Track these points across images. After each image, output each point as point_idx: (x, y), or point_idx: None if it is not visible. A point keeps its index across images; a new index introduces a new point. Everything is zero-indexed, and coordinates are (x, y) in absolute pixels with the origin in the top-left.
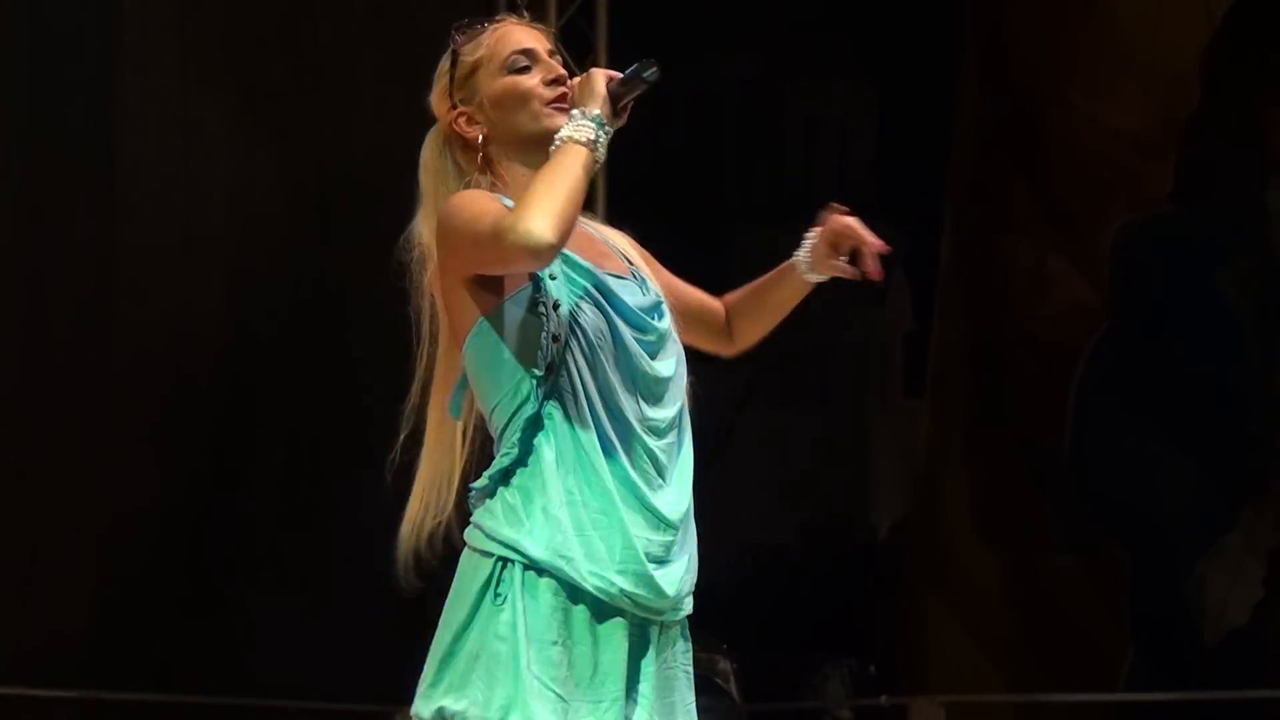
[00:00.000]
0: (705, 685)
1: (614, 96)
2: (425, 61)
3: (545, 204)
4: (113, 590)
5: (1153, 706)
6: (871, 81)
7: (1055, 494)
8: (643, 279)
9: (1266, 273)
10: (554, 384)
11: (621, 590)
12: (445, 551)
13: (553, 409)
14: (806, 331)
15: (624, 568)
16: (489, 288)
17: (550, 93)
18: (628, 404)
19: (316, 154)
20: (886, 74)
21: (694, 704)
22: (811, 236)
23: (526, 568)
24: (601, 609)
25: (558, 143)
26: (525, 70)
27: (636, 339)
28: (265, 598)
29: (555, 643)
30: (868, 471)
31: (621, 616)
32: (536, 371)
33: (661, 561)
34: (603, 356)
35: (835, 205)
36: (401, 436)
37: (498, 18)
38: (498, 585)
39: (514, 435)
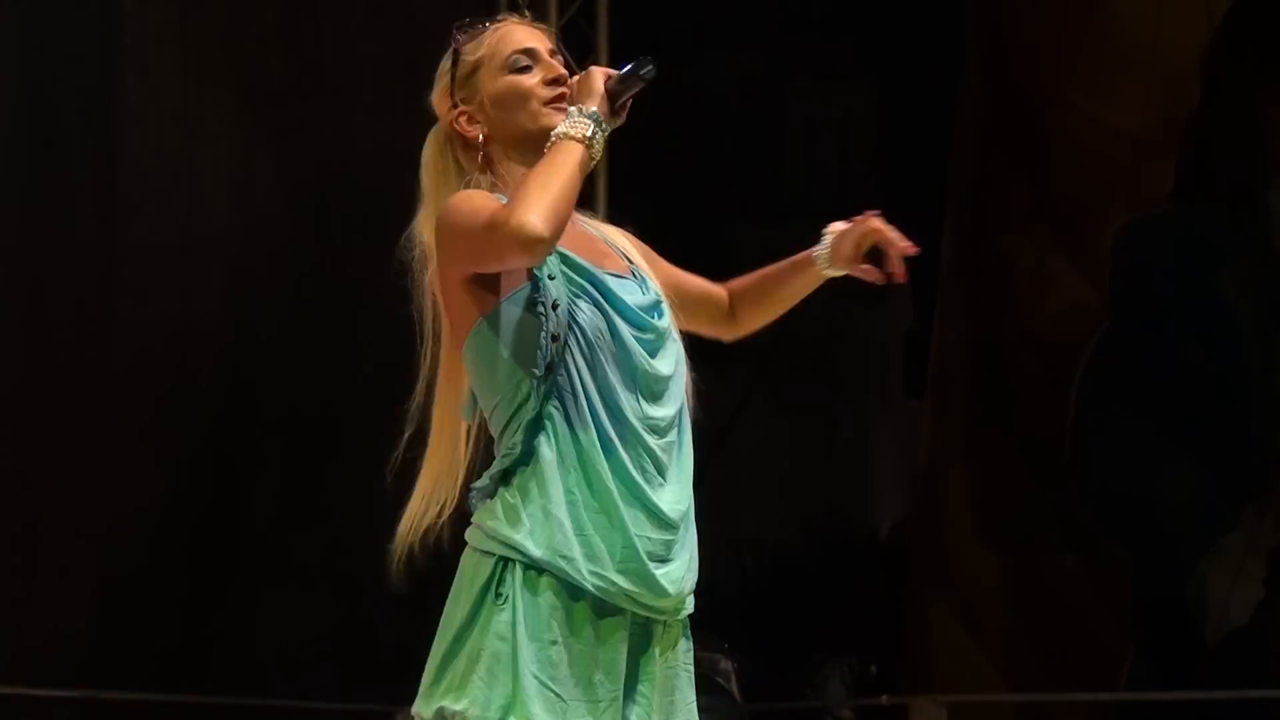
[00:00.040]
0: (706, 685)
1: (612, 94)
2: (426, 61)
3: (538, 198)
4: (113, 590)
5: (1153, 706)
6: (871, 81)
7: (1056, 494)
8: (643, 277)
9: (1266, 273)
10: (553, 383)
11: (622, 589)
12: (440, 551)
13: (552, 409)
14: (807, 331)
15: (625, 567)
16: (487, 288)
17: (549, 92)
18: (628, 403)
19: (316, 154)
20: (886, 74)
21: (695, 703)
22: (833, 232)
23: (527, 567)
24: (602, 608)
25: (554, 139)
26: (526, 70)
27: (636, 337)
28: (265, 598)
29: (555, 642)
30: (868, 471)
31: (622, 616)
32: (536, 371)
33: (662, 560)
34: (602, 355)
35: (870, 211)
36: (405, 436)
37: (499, 17)
38: (499, 585)
39: (514, 435)
